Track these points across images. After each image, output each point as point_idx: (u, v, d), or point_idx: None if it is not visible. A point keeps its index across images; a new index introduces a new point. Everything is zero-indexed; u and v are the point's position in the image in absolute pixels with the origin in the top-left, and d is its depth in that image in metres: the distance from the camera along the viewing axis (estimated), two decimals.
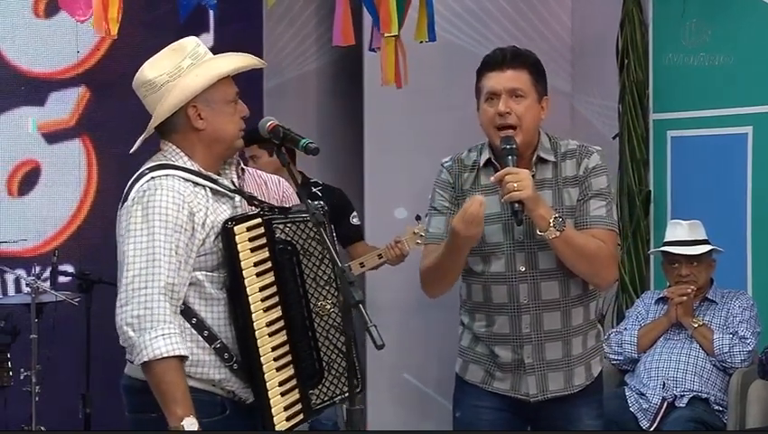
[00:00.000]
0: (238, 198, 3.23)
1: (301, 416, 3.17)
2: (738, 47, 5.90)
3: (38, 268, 5.69)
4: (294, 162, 5.43)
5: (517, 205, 3.50)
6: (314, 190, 5.57)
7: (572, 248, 3.56)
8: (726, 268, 5.60)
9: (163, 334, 2.98)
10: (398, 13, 5.51)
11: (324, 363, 3.18)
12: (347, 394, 3.13)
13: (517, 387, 3.70)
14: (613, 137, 6.34)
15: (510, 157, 3.56)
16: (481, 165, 3.71)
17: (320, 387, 3.19)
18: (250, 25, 6.35)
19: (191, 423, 2.96)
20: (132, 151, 3.24)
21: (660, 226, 6.10)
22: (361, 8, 5.81)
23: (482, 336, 3.73)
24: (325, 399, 3.20)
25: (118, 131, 5.91)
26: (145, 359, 2.98)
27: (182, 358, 3.02)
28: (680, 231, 5.51)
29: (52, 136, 6.04)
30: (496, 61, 3.67)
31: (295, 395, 3.16)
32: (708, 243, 5.48)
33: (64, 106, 6.06)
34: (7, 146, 5.95)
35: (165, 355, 2.97)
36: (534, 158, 3.68)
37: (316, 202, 3.21)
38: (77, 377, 5.71)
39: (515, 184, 3.48)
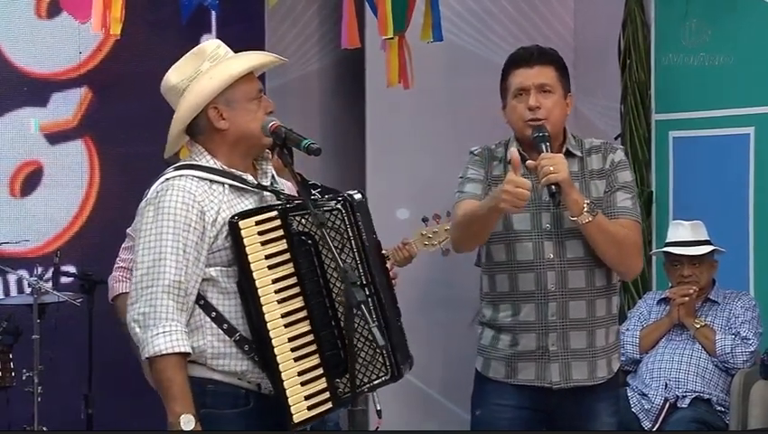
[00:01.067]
0: (268, 193, 3.25)
1: (329, 404, 3.19)
2: (739, 47, 5.90)
3: (40, 269, 5.69)
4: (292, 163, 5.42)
5: (554, 188, 3.57)
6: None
7: (603, 234, 3.64)
8: (728, 268, 5.60)
9: (163, 332, 3.06)
10: (401, 13, 5.52)
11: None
12: (376, 382, 3.19)
13: (541, 375, 3.75)
14: (616, 138, 6.34)
15: (543, 144, 3.64)
16: (509, 157, 3.74)
17: (347, 376, 3.18)
18: (252, 26, 6.34)
19: (187, 420, 3.03)
20: (166, 156, 3.30)
21: (662, 226, 6.10)
22: (363, 9, 5.81)
23: (507, 326, 3.78)
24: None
25: (121, 132, 5.89)
26: (146, 356, 3.07)
27: (183, 355, 3.08)
28: (682, 232, 5.52)
29: (55, 137, 6.03)
30: (523, 57, 3.77)
31: (321, 384, 3.18)
32: (710, 244, 5.48)
33: (66, 107, 6.04)
34: (10, 147, 5.93)
35: (164, 352, 3.05)
36: (563, 151, 3.75)
37: (354, 192, 3.25)
38: (79, 377, 5.70)
39: (551, 168, 3.55)
